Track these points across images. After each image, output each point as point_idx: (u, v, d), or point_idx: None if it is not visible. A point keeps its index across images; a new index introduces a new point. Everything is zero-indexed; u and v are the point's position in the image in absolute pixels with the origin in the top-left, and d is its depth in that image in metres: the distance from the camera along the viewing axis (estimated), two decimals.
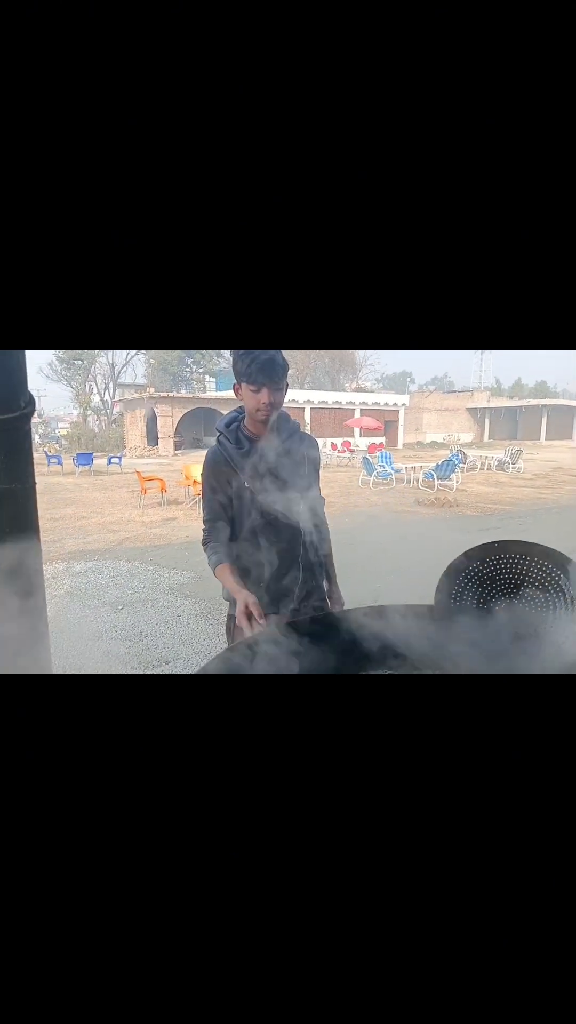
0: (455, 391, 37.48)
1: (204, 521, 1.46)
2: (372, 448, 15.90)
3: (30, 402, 0.49)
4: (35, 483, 1.14)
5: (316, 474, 1.54)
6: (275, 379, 1.27)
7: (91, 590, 4.32)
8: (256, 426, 1.38)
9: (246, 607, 1.25)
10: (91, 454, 13.84)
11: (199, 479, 8.47)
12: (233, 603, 1.48)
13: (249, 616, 1.24)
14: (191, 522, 7.18)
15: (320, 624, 0.78)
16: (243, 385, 1.29)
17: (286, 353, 1.33)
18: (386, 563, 4.60)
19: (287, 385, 1.34)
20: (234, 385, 1.34)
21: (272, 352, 1.28)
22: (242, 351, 1.27)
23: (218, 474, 1.40)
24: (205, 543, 1.46)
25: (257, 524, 1.39)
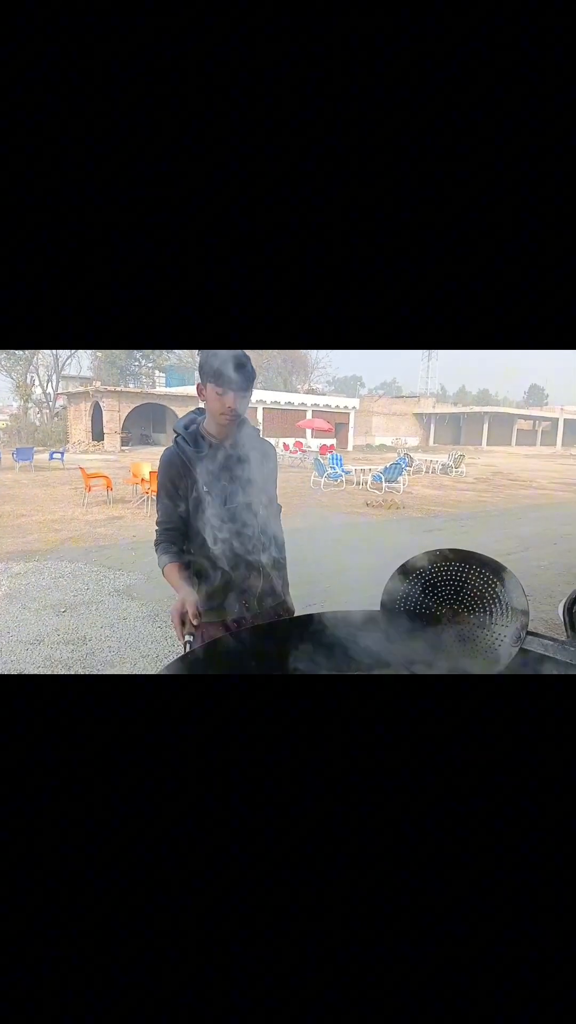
0: (403, 396, 38.64)
1: (157, 523, 1.44)
2: (323, 449, 16.13)
3: None
4: None
5: (274, 481, 1.55)
6: (244, 385, 1.26)
7: (31, 592, 4.12)
8: (217, 429, 1.37)
9: (182, 606, 1.25)
10: (32, 448, 13.20)
11: (147, 477, 8.27)
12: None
13: (183, 617, 1.24)
14: (138, 521, 7.00)
15: (275, 630, 0.79)
16: (209, 386, 1.27)
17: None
18: (335, 563, 4.68)
19: (251, 393, 1.34)
20: (197, 385, 1.32)
21: (242, 356, 1.28)
22: (212, 351, 1.25)
23: (174, 476, 1.38)
24: (157, 544, 1.43)
25: (213, 527, 1.38)
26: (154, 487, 7.98)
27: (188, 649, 1.16)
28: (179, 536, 1.43)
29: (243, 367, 1.25)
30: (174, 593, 1.46)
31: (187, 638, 1.20)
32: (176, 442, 1.41)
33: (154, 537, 1.46)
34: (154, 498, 7.44)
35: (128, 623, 3.56)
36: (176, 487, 1.40)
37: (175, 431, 1.44)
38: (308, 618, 0.83)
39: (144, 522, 6.94)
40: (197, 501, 1.41)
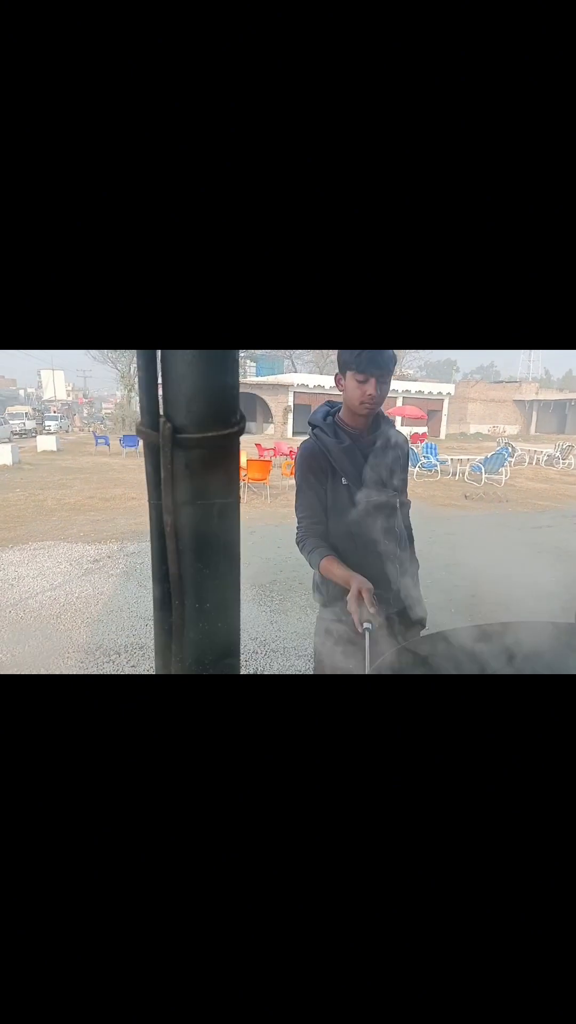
0: (502, 381, 36.19)
1: (300, 518, 1.43)
2: (415, 438, 15.59)
3: (241, 419, 0.49)
4: (239, 497, 1.10)
5: (407, 473, 1.51)
6: (385, 370, 1.24)
7: (147, 571, 4.43)
8: (355, 419, 1.35)
9: (358, 592, 1.20)
10: (136, 436, 14.14)
11: (244, 465, 8.53)
12: (327, 605, 1.47)
13: (360, 603, 1.21)
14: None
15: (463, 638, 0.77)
16: (348, 374, 1.26)
17: None
18: (440, 562, 4.54)
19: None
20: (336, 375, 1.31)
21: None
22: None
23: (316, 469, 1.37)
24: (301, 540, 1.42)
25: (353, 520, 1.37)
26: (252, 475, 8.19)
27: (367, 635, 1.13)
28: (324, 530, 1.40)
29: (384, 351, 1.22)
30: (317, 591, 1.46)
31: (366, 625, 1.17)
32: (315, 435, 1.41)
33: (296, 534, 1.45)
34: (251, 485, 7.61)
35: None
36: (317, 479, 1.39)
37: (311, 423, 1.44)
38: (502, 626, 0.80)
39: (243, 509, 7.18)
40: (337, 494, 1.39)
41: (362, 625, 1.16)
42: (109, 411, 25.65)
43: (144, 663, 2.87)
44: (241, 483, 8.46)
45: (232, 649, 0.54)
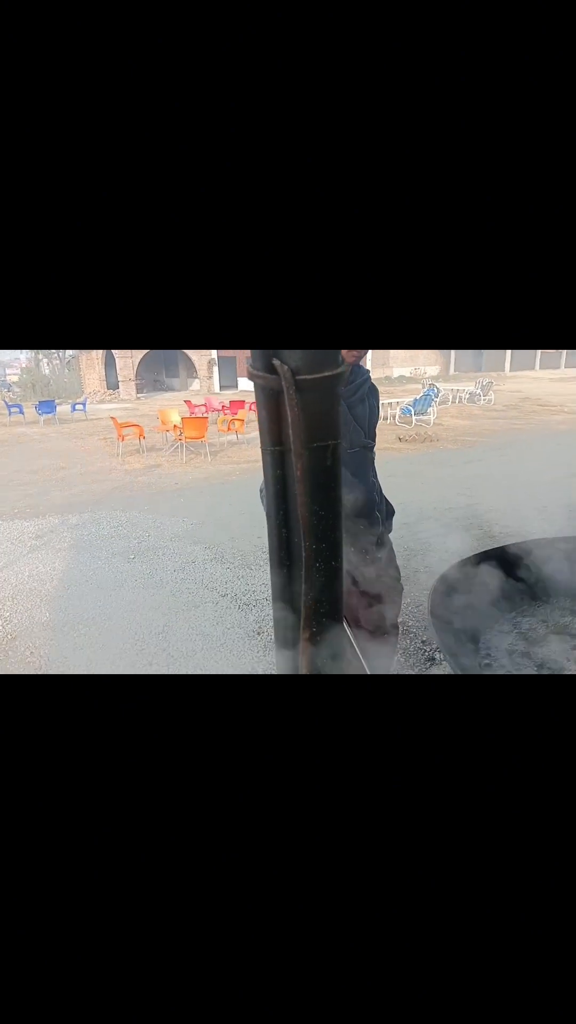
0: None
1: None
2: None
3: (342, 360, 0.48)
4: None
5: (377, 420, 1.55)
6: None
7: (95, 542, 4.26)
8: None
9: None
10: (53, 401, 13.12)
11: (178, 423, 8.22)
12: None
13: None
14: (176, 469, 7.05)
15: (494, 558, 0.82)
16: None
17: None
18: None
19: None
20: None
21: None
22: None
23: None
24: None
25: None
26: (188, 433, 7.93)
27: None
28: None
29: None
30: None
31: None
32: None
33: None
34: (188, 444, 7.41)
35: (198, 566, 3.69)
36: None
37: None
38: (516, 546, 0.86)
39: (182, 469, 7.00)
40: None
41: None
42: (15, 377, 23.47)
43: (116, 634, 2.82)
44: (177, 442, 8.20)
45: (339, 594, 0.55)
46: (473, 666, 0.61)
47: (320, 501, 0.47)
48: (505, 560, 0.84)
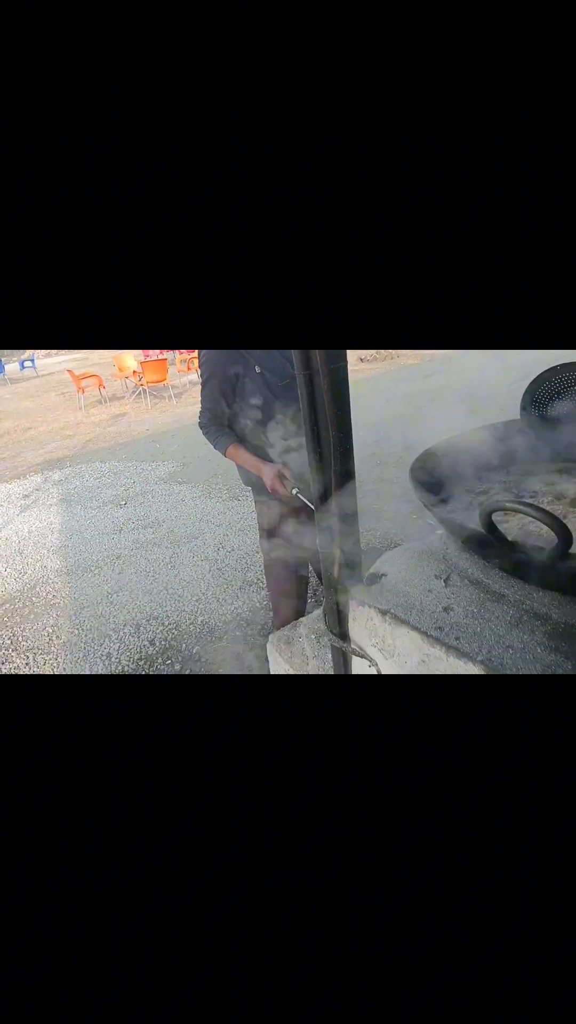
0: None
1: (205, 408, 1.56)
2: None
3: None
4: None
5: None
6: None
7: (83, 493, 4.41)
8: None
9: (274, 472, 1.42)
10: (0, 360, 12.48)
11: (138, 369, 8.04)
12: (254, 487, 1.63)
13: (281, 478, 1.42)
14: (143, 415, 7.04)
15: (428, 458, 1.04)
16: None
17: None
18: (365, 420, 4.94)
19: None
20: None
21: None
22: None
23: (224, 360, 1.45)
24: (206, 427, 1.56)
25: (268, 402, 1.50)
26: (149, 378, 7.79)
27: (300, 495, 1.35)
28: (230, 418, 1.54)
29: None
30: (243, 474, 1.65)
31: (294, 491, 1.39)
32: None
33: (199, 419, 1.58)
34: (147, 390, 7.36)
35: (188, 503, 3.92)
36: (226, 370, 1.47)
37: None
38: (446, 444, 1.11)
39: (150, 415, 6.99)
40: (250, 381, 1.48)
41: (292, 491, 1.39)
42: None
43: (129, 570, 3.08)
44: (139, 388, 8.07)
45: (355, 512, 0.74)
46: (440, 510, 0.84)
47: (341, 406, 0.70)
48: (467, 443, 1.09)
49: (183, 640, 2.42)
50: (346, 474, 0.72)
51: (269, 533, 1.73)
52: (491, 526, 0.61)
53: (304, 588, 1.86)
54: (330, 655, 1.09)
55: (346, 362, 0.68)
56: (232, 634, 2.41)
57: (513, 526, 0.76)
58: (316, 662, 1.16)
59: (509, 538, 0.66)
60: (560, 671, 0.57)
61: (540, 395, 1.16)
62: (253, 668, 2.16)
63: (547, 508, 0.55)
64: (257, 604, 2.60)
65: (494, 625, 0.65)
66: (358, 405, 0.74)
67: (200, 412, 1.60)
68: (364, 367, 8.17)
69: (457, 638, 0.64)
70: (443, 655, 0.64)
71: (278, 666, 1.14)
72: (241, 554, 3.09)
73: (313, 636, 1.22)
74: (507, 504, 0.57)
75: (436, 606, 0.71)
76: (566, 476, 0.92)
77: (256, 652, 2.26)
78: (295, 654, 1.17)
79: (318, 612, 1.31)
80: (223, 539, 3.29)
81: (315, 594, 2.47)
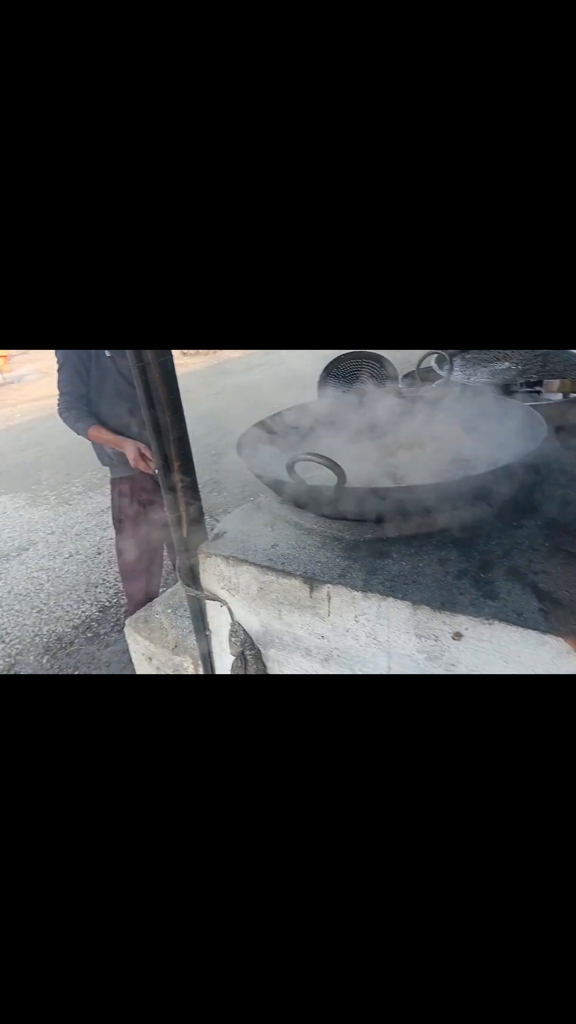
0: None
1: (63, 392, 1.64)
2: None
3: None
4: None
5: None
6: None
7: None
8: None
9: (135, 450, 1.55)
10: None
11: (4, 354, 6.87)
12: (115, 466, 1.74)
13: (143, 457, 1.57)
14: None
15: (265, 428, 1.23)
16: None
17: None
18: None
19: None
20: None
21: None
22: None
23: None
24: (64, 411, 1.65)
25: (120, 387, 1.64)
26: (6, 367, 6.72)
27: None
28: (86, 402, 1.65)
29: None
30: (102, 455, 1.72)
31: (156, 470, 1.56)
32: None
33: (58, 405, 1.65)
34: (7, 375, 6.53)
35: (11, 514, 3.59)
36: (79, 357, 1.58)
37: None
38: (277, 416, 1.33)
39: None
40: (102, 368, 1.60)
41: (155, 471, 1.51)
42: None
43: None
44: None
45: (195, 480, 0.87)
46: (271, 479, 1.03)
47: (171, 391, 0.84)
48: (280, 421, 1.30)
49: (30, 654, 2.29)
50: (183, 448, 0.86)
51: (125, 515, 1.78)
52: (295, 474, 0.82)
53: (158, 572, 1.95)
54: (187, 624, 1.22)
55: (172, 355, 0.82)
56: (83, 636, 2.36)
57: (320, 476, 0.99)
58: (175, 632, 1.28)
59: (309, 484, 0.88)
60: (350, 573, 0.79)
61: (331, 379, 1.44)
62: (111, 665, 2.17)
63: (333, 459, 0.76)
64: (106, 603, 2.57)
65: (308, 551, 0.87)
66: (187, 398, 0.87)
67: (58, 400, 1.63)
68: (187, 360, 8.24)
69: (283, 564, 0.84)
70: (275, 578, 0.83)
71: (137, 645, 1.24)
72: (81, 559, 2.98)
73: (169, 610, 1.34)
74: (301, 456, 0.77)
75: (266, 545, 0.90)
76: (356, 438, 1.19)
77: (112, 649, 2.26)
78: (154, 630, 1.28)
79: (172, 589, 1.43)
80: (58, 547, 3.12)
81: (166, 582, 2.55)
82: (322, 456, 0.75)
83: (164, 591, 1.41)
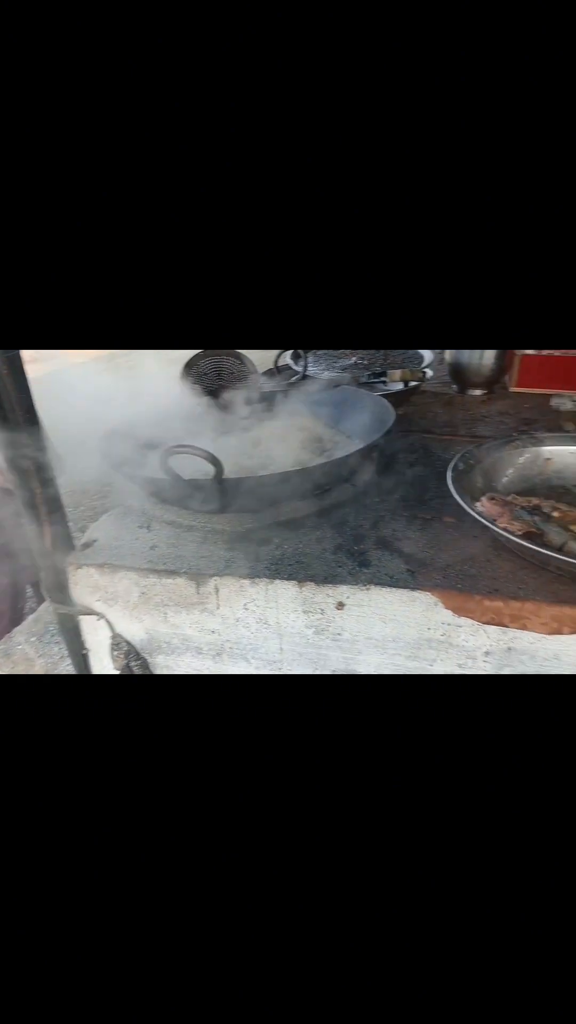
0: None
1: None
2: None
3: None
4: None
5: None
6: None
7: None
8: None
9: None
10: None
11: None
12: None
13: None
14: None
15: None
16: None
17: None
18: None
19: None
20: None
21: None
22: None
23: None
24: None
25: None
26: None
27: None
28: None
29: None
30: None
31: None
32: None
33: None
34: None
35: None
36: None
37: None
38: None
39: None
40: None
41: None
42: None
43: None
44: None
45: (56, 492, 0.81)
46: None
47: (22, 390, 0.76)
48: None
49: None
50: (40, 452, 0.78)
51: None
52: (169, 469, 0.80)
53: (19, 604, 1.75)
54: (56, 650, 1.12)
55: (20, 355, 0.74)
56: None
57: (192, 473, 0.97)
58: (43, 660, 1.16)
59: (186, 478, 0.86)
60: (235, 563, 0.80)
61: (191, 377, 1.43)
62: None
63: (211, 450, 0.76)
64: None
65: (190, 547, 0.85)
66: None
67: None
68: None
69: (165, 564, 0.81)
70: (157, 580, 0.80)
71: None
72: None
73: (34, 639, 1.21)
74: (177, 449, 0.76)
75: (144, 547, 0.86)
76: (222, 434, 1.19)
77: None
78: (17, 663, 1.15)
79: (33, 616, 1.29)
80: None
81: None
82: (198, 448, 0.75)
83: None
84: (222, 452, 0.78)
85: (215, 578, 0.77)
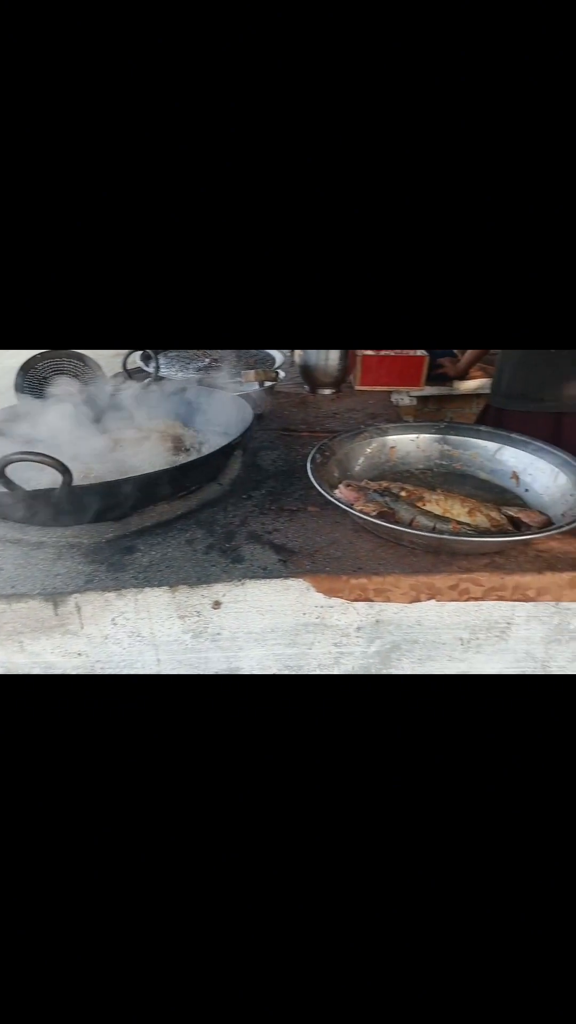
0: None
1: None
2: None
3: None
4: None
5: None
6: None
7: None
8: None
9: None
10: None
11: None
12: None
13: None
14: None
15: None
16: None
17: None
18: None
19: None
20: None
21: None
22: None
23: None
24: None
25: None
26: None
27: None
28: None
29: None
30: None
31: None
32: None
33: None
34: None
35: None
36: None
37: None
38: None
39: None
40: None
41: None
42: None
43: None
44: None
45: None
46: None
47: None
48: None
49: None
50: None
51: None
52: (8, 481, 0.70)
53: None
54: None
55: None
56: None
57: (36, 483, 0.87)
58: None
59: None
60: (97, 577, 0.74)
61: (28, 381, 1.29)
62: None
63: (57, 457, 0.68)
64: None
65: (41, 566, 0.76)
66: None
67: None
68: None
69: (13, 587, 0.72)
70: (6, 606, 0.70)
71: None
72: None
73: None
74: (14, 457, 0.67)
75: None
76: (73, 438, 1.09)
77: None
78: None
79: None
80: None
81: None
82: (41, 454, 0.67)
83: None
84: (73, 457, 0.71)
85: (75, 595, 0.70)
